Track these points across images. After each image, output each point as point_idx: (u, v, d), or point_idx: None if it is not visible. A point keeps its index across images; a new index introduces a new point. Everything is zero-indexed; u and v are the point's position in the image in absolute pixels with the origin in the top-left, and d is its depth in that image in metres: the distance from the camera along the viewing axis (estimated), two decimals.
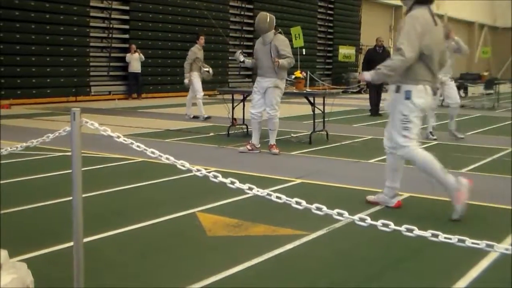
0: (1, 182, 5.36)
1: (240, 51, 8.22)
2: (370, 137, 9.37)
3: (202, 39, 12.31)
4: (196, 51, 12.20)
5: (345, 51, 28.02)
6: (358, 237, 3.86)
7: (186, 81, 12.22)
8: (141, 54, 18.02)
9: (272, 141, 7.66)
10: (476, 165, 6.91)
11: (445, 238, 2.13)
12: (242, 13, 23.34)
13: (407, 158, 4.63)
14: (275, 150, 7.56)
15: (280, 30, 7.56)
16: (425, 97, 4.52)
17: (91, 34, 17.53)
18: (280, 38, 7.49)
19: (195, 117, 12.18)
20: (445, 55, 4.87)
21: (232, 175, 2.62)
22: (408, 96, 4.49)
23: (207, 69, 12.13)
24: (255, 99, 7.66)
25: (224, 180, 2.48)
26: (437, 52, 4.57)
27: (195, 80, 12.18)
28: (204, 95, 12.77)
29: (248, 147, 7.64)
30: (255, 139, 7.64)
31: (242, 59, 7.98)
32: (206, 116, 11.92)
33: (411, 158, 4.55)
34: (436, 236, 2.14)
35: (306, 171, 6.36)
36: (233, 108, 9.73)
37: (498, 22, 48.12)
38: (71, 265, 2.69)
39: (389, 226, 2.23)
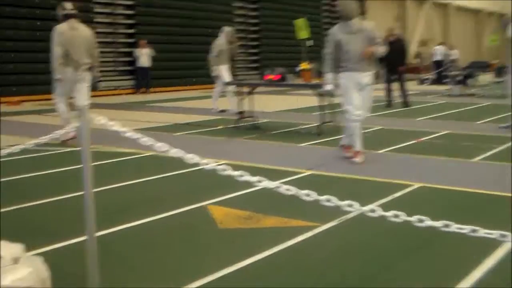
0: (15, 177, 5.42)
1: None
2: (380, 127, 9.33)
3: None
4: (220, 43, 11.84)
5: None
6: (370, 228, 3.85)
7: (215, 73, 11.98)
8: (151, 49, 18.14)
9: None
10: (488, 154, 6.86)
11: (458, 228, 2.11)
12: (247, 6, 23.32)
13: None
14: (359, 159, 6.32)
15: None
16: (66, 76, 7.45)
17: (97, 30, 17.54)
18: (371, 24, 6.54)
19: (223, 111, 11.72)
20: (86, 46, 7.75)
21: (243, 167, 2.61)
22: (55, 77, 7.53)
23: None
24: (355, 98, 6.27)
25: (233, 173, 2.47)
26: (74, 47, 7.45)
27: (223, 73, 11.82)
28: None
29: (359, 157, 6.29)
30: (359, 145, 6.32)
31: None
32: (237, 110, 10.13)
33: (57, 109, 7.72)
34: (448, 226, 2.13)
35: (316, 162, 6.34)
36: (241, 101, 9.72)
37: (506, 9, 47.70)
38: (85, 259, 2.71)
39: (400, 217, 2.22)
